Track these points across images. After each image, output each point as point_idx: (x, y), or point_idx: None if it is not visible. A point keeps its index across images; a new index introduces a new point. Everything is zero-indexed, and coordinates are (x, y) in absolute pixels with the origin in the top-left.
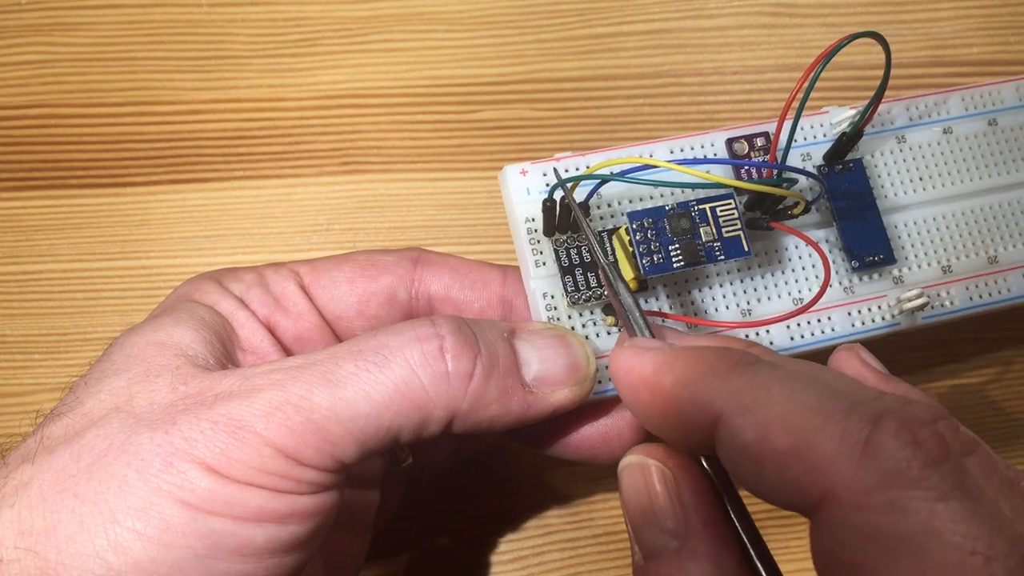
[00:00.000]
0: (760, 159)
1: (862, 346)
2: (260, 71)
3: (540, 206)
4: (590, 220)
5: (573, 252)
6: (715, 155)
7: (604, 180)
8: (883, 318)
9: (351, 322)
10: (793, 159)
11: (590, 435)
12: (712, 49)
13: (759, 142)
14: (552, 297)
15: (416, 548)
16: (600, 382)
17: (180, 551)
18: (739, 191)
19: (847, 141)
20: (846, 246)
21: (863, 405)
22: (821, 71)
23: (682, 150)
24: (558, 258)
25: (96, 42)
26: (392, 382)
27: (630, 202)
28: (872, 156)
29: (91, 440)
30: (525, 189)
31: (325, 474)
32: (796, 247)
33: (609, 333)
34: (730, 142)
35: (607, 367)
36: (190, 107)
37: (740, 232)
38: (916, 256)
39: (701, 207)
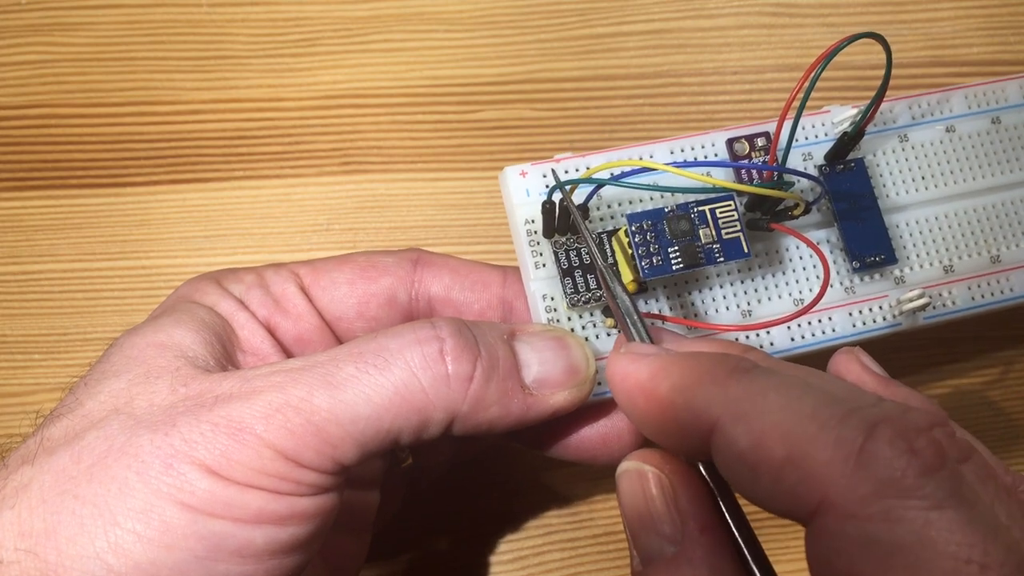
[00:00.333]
0: (760, 159)
1: (862, 349)
2: (260, 71)
3: (540, 208)
4: (589, 222)
5: (573, 254)
6: (716, 155)
7: (602, 184)
8: (884, 318)
9: (351, 323)
10: (795, 158)
11: (590, 436)
12: (712, 49)
13: (760, 142)
14: (552, 299)
15: (416, 548)
16: (600, 384)
17: (180, 553)
18: (739, 193)
19: (848, 141)
20: (847, 246)
21: (859, 412)
22: (821, 72)
23: (683, 150)
24: (558, 260)
25: (96, 42)
26: (392, 384)
27: (630, 203)
28: (874, 155)
29: (91, 442)
30: (525, 190)
31: (325, 476)
32: (796, 248)
33: (609, 335)
34: (731, 142)
35: (608, 363)
36: (190, 107)
37: (740, 234)
38: (918, 256)
39: (700, 209)
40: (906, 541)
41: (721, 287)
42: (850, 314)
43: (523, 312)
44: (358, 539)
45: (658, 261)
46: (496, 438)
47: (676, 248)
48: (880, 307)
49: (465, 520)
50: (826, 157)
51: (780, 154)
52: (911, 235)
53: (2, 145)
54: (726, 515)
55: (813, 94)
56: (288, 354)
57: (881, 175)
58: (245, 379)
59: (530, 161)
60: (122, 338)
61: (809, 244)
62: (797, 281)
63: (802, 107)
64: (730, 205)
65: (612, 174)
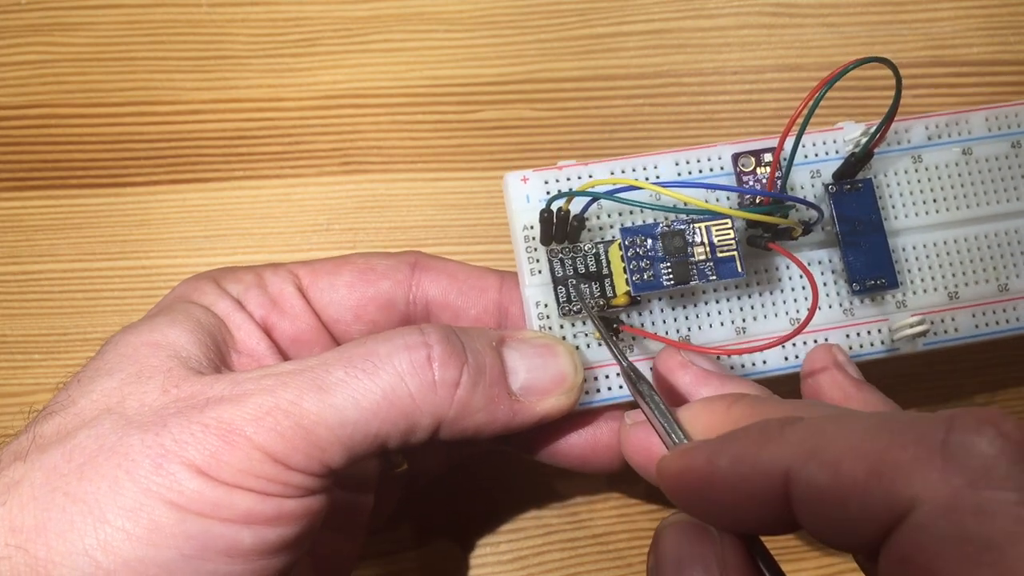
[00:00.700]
0: (762, 174)
1: (840, 347)
2: (260, 71)
3: (538, 215)
4: (588, 231)
5: (568, 262)
6: (722, 169)
7: (597, 197)
8: (883, 342)
9: (348, 326)
10: (803, 175)
11: (579, 443)
12: (712, 49)
13: (766, 157)
14: (546, 306)
15: (415, 548)
16: (587, 393)
17: (169, 551)
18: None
19: (856, 161)
20: (848, 268)
21: (925, 415)
22: (824, 94)
23: (687, 162)
24: (552, 268)
25: (96, 42)
26: (380, 389)
27: (631, 213)
28: (884, 175)
29: (83, 440)
30: (525, 196)
31: (313, 478)
32: (794, 266)
33: (600, 344)
34: (736, 157)
35: (658, 468)
36: (190, 107)
37: (735, 253)
38: (923, 280)
39: (697, 226)
40: (997, 538)
41: (717, 302)
42: (847, 336)
43: (518, 318)
44: (351, 540)
45: (649, 276)
46: (486, 443)
47: (668, 264)
48: (879, 330)
49: (464, 520)
50: (834, 176)
51: (783, 166)
52: (917, 259)
53: (2, 145)
54: None
55: (824, 105)
56: (284, 355)
57: (890, 196)
58: (236, 382)
59: (530, 163)
60: (117, 336)
61: (800, 267)
62: (795, 300)
63: (802, 131)
64: (727, 223)
65: (609, 189)
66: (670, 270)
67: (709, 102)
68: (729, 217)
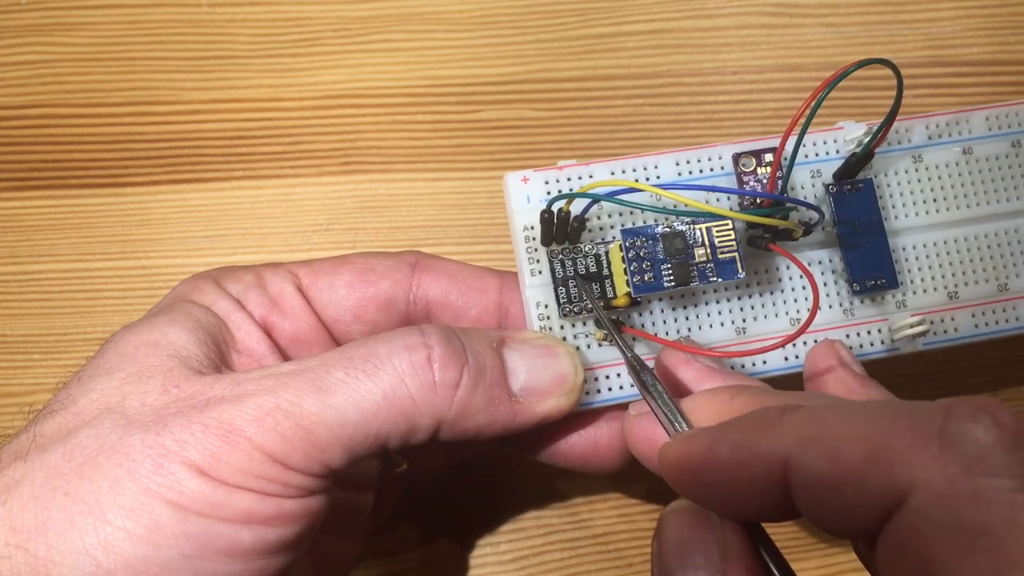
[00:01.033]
0: (763, 174)
1: (843, 344)
2: (260, 71)
3: (539, 216)
4: (588, 231)
5: (568, 263)
6: (722, 169)
7: (597, 199)
8: (883, 342)
9: (348, 326)
10: (803, 175)
11: (579, 443)
12: (712, 49)
13: (767, 157)
14: (546, 306)
15: (416, 548)
16: (588, 393)
17: (169, 551)
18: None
19: (857, 162)
20: (848, 269)
21: (923, 403)
22: (826, 96)
23: (688, 162)
24: (552, 269)
25: (96, 42)
26: (380, 390)
27: (631, 213)
28: (885, 175)
29: (83, 440)
30: (525, 197)
31: (313, 479)
32: (794, 266)
33: (600, 345)
34: (737, 157)
35: (660, 454)
36: (190, 107)
37: (735, 254)
38: (923, 280)
39: (697, 227)
40: (993, 524)
41: (717, 303)
42: (847, 336)
43: (518, 318)
44: (351, 541)
45: (650, 278)
46: (486, 443)
47: (669, 266)
48: (879, 330)
49: (465, 519)
50: (834, 176)
51: (784, 168)
52: (917, 258)
53: (2, 145)
54: (771, 567)
55: (824, 104)
56: (284, 355)
57: (891, 195)
58: (236, 382)
59: (530, 163)
60: (117, 335)
61: (801, 268)
62: (795, 300)
63: (803, 132)
64: (727, 225)
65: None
66: (671, 271)
67: (709, 102)
68: (730, 218)
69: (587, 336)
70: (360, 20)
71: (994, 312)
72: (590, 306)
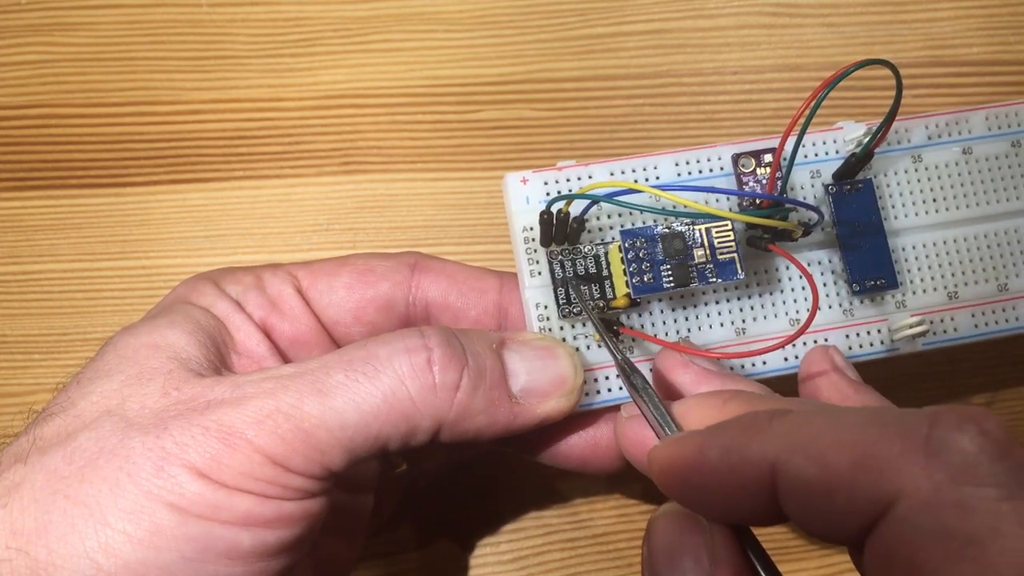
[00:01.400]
0: (762, 174)
1: (838, 349)
2: (260, 71)
3: (538, 217)
4: (588, 232)
5: (568, 264)
6: (722, 169)
7: (596, 200)
8: (882, 342)
9: (348, 327)
10: (802, 175)
11: (579, 444)
12: (712, 49)
13: (766, 158)
14: (545, 307)
15: (416, 549)
16: (587, 394)
17: (169, 554)
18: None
19: (856, 162)
20: (848, 269)
21: (911, 411)
22: (825, 97)
23: (687, 163)
24: (552, 270)
25: (96, 42)
26: (381, 392)
27: (631, 214)
28: (885, 175)
29: (83, 442)
30: (525, 198)
31: (313, 481)
32: (794, 267)
33: (600, 347)
34: (736, 157)
35: (650, 457)
36: (190, 107)
37: (735, 255)
38: (922, 280)
39: (696, 228)
40: (979, 533)
41: (717, 303)
42: (847, 336)
43: (518, 319)
44: (350, 542)
45: (649, 279)
46: (487, 444)
47: (668, 266)
48: (879, 331)
49: (464, 520)
50: (834, 176)
51: (783, 169)
52: (917, 259)
53: (2, 145)
54: (760, 570)
55: (823, 104)
56: (283, 356)
57: (890, 196)
58: (237, 385)
59: (530, 163)
60: (116, 337)
61: (800, 268)
62: (795, 301)
63: (803, 132)
64: (727, 225)
65: (608, 192)
66: (670, 272)
67: (709, 102)
68: (729, 219)
69: (587, 337)
70: (360, 20)
71: (994, 312)
72: (592, 302)
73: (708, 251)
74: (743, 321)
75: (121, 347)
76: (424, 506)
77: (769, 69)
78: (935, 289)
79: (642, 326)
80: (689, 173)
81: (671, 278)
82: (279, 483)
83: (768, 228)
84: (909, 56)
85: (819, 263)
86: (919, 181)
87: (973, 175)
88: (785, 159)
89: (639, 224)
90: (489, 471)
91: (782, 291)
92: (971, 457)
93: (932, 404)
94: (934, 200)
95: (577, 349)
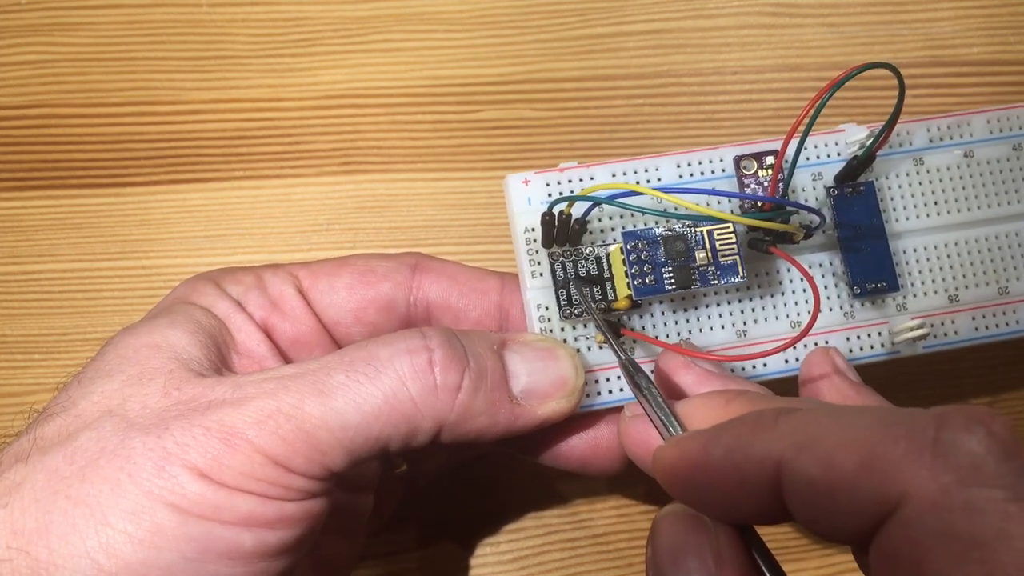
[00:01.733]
0: (764, 177)
1: (838, 351)
2: (260, 71)
3: (540, 218)
4: (589, 233)
5: (569, 265)
6: (723, 171)
7: (598, 202)
8: (883, 345)
9: (348, 328)
10: (804, 177)
11: (580, 445)
12: (712, 49)
13: (768, 160)
14: (547, 308)
15: (416, 548)
16: (588, 395)
17: (170, 554)
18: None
19: (858, 165)
20: (849, 272)
21: (917, 411)
22: (827, 101)
23: (689, 164)
24: (553, 271)
25: (96, 42)
26: (382, 393)
27: (632, 216)
28: (886, 178)
29: (84, 442)
30: (527, 199)
31: (314, 481)
32: (795, 269)
33: (601, 348)
34: (738, 159)
35: (654, 457)
36: (190, 107)
37: (736, 257)
38: (923, 283)
39: (698, 230)
40: (985, 535)
41: (718, 305)
42: (848, 339)
43: (519, 320)
44: (351, 542)
45: (651, 281)
46: (487, 445)
47: (670, 268)
48: (879, 333)
49: (464, 520)
50: (836, 179)
51: (785, 171)
52: (918, 261)
53: (2, 145)
54: (765, 571)
55: (829, 105)
56: (284, 356)
57: (892, 198)
58: (238, 385)
59: (530, 163)
60: (117, 337)
61: (802, 271)
62: (796, 303)
63: (805, 135)
64: (728, 228)
65: (610, 193)
66: (672, 274)
67: (709, 102)
68: (730, 221)
69: (588, 338)
70: (360, 20)
71: (994, 315)
72: (593, 303)
73: (710, 253)
74: (744, 323)
75: (122, 347)
76: (424, 506)
77: (769, 69)
78: (936, 292)
79: (643, 328)
80: (691, 175)
81: (672, 280)
82: (280, 483)
83: (769, 230)
84: (909, 56)
85: (820, 265)
86: (920, 184)
87: (975, 178)
88: (787, 162)
89: (641, 226)
90: (489, 471)
91: (783, 293)
92: (978, 458)
93: (933, 404)
94: (935, 203)
95: (578, 350)
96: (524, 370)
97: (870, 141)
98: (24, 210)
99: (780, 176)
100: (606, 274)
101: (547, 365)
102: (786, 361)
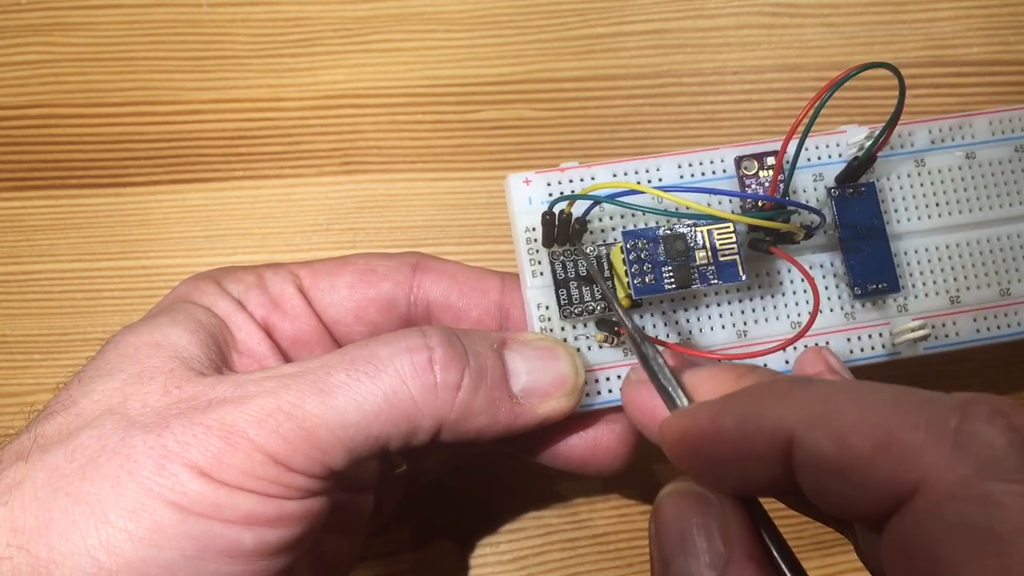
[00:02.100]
0: (764, 177)
1: (831, 350)
2: (260, 71)
3: (540, 218)
4: (590, 233)
5: (569, 265)
6: (724, 172)
7: (599, 201)
8: (883, 346)
9: (349, 327)
10: (805, 178)
11: (579, 445)
12: (712, 49)
13: (769, 161)
14: (547, 308)
15: (416, 548)
16: (588, 395)
17: (170, 552)
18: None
19: (859, 166)
20: (849, 272)
21: (939, 397)
22: (826, 101)
23: (690, 165)
24: (554, 270)
25: (96, 42)
26: (382, 392)
27: (633, 215)
28: (888, 179)
29: (84, 441)
30: (527, 198)
31: (314, 480)
32: (795, 269)
33: (601, 347)
34: (739, 160)
35: (661, 428)
36: (190, 107)
37: (736, 257)
38: (924, 284)
39: (698, 230)
40: (1003, 529)
41: (718, 305)
42: (848, 340)
43: (519, 319)
44: (351, 541)
45: (650, 280)
46: (487, 444)
47: (670, 268)
48: (880, 334)
49: (464, 520)
50: (837, 179)
51: (786, 171)
52: (919, 263)
53: (2, 145)
54: (773, 551)
55: (827, 104)
56: (285, 355)
57: (893, 199)
58: (238, 384)
59: (530, 163)
60: (118, 336)
61: (802, 271)
62: (796, 304)
63: (805, 135)
64: (729, 227)
65: (610, 192)
66: (672, 274)
67: (709, 102)
68: (731, 221)
69: (588, 338)
70: (360, 20)
71: (996, 317)
72: (593, 302)
73: (710, 253)
74: (744, 323)
75: (122, 346)
76: (424, 506)
77: (769, 69)
78: (937, 293)
79: (643, 327)
80: (692, 175)
81: (672, 279)
82: (280, 482)
83: (770, 230)
84: (909, 56)
85: (821, 266)
86: (922, 185)
87: (976, 179)
88: (787, 162)
89: (641, 225)
90: (489, 471)
91: (783, 294)
92: (1000, 451)
93: None
94: (936, 204)
95: (578, 350)
96: (524, 369)
97: (871, 142)
98: (24, 210)
99: (781, 176)
100: (606, 273)
101: (547, 364)
102: (786, 361)
